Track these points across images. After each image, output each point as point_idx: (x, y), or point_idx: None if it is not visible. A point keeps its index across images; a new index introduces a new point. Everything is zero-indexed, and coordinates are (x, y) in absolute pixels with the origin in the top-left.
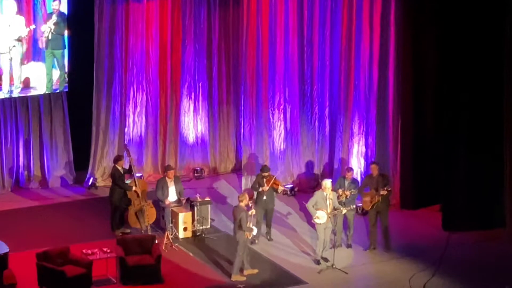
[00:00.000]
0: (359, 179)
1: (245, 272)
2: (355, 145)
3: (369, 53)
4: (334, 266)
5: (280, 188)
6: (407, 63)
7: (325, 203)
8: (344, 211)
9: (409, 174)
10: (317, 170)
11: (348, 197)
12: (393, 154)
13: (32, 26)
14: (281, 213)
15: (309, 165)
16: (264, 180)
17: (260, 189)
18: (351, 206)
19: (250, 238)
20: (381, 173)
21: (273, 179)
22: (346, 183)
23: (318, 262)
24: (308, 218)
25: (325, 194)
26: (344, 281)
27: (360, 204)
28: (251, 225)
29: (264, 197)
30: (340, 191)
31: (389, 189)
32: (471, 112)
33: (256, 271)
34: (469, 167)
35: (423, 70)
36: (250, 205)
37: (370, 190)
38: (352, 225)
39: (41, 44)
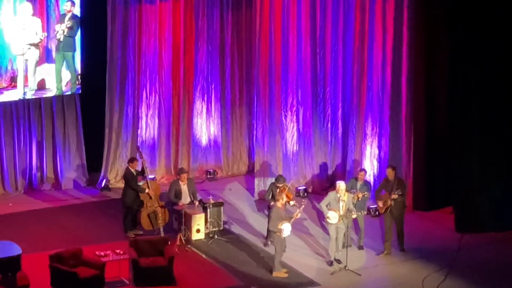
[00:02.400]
0: (371, 181)
1: (275, 274)
2: (368, 147)
3: (382, 54)
4: (347, 268)
5: (292, 202)
6: (420, 65)
7: (338, 204)
8: (354, 215)
9: (422, 176)
10: (330, 171)
11: (360, 199)
12: (406, 155)
13: (44, 34)
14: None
15: (322, 166)
16: (278, 190)
17: (272, 203)
18: (362, 211)
19: (282, 237)
20: (398, 178)
21: (285, 191)
22: (358, 184)
23: (331, 264)
24: (322, 219)
25: (338, 195)
26: (357, 283)
27: (375, 206)
28: (281, 225)
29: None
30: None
31: (400, 193)
32: (484, 114)
33: (285, 273)
34: (482, 168)
35: (436, 71)
36: (303, 201)
37: (385, 194)
38: (362, 228)
39: (52, 46)
